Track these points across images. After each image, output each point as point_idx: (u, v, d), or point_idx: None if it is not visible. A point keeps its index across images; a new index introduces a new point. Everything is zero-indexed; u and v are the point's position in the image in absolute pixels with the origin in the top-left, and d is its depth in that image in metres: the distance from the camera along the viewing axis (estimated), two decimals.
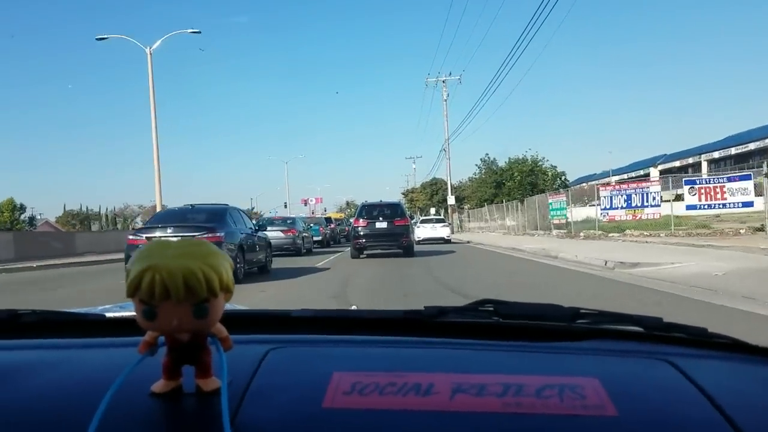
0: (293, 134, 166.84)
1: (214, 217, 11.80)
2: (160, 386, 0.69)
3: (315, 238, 26.23)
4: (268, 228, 20.85)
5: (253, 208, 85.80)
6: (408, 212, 27.25)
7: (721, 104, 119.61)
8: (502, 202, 37.00)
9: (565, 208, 22.90)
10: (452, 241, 28.80)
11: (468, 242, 27.73)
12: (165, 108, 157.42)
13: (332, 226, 33.45)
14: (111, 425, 0.61)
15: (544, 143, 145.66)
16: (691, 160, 52.86)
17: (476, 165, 49.30)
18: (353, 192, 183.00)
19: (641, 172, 54.47)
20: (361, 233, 17.34)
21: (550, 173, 36.43)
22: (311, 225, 26.93)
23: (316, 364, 0.81)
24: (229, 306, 0.74)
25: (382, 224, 17.50)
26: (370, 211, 18.05)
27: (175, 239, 0.76)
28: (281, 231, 20.71)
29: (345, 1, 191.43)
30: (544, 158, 37.24)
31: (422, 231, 29.40)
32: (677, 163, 54.16)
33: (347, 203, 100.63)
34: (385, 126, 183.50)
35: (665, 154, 59.51)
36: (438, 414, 0.65)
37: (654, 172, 50.60)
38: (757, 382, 0.79)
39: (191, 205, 12.65)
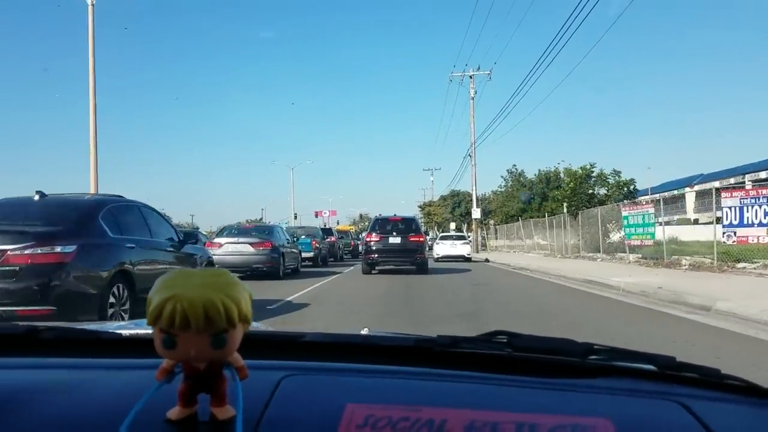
0: (306, 144, 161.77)
1: (70, 219, 6.18)
2: (175, 413, 0.69)
3: (305, 254, 20.34)
4: (233, 239, 14.87)
5: (261, 219, 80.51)
6: (424, 227, 23.33)
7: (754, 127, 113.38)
8: (543, 216, 30.47)
9: (653, 224, 16.70)
10: (489, 261, 26.09)
11: (501, 263, 21.82)
12: (174, 115, 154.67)
13: (332, 239, 27.10)
14: None
15: (573, 158, 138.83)
16: (732, 180, 47.78)
17: (502, 177, 43.45)
18: (367, 205, 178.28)
19: (675, 193, 49.79)
20: (374, 248, 16.81)
21: (612, 181, 29.14)
22: (300, 237, 20.94)
23: (329, 394, 0.80)
24: None
25: (395, 239, 16.67)
26: (384, 225, 17.44)
27: (197, 270, 0.67)
28: (250, 244, 14.79)
29: (360, 4, 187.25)
30: (592, 166, 30.47)
31: (441, 248, 27.41)
32: (716, 183, 48.91)
33: (360, 216, 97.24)
34: (401, 137, 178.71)
35: (701, 174, 55.05)
36: None
37: (690, 193, 46.15)
38: None
39: (40, 193, 6.76)
